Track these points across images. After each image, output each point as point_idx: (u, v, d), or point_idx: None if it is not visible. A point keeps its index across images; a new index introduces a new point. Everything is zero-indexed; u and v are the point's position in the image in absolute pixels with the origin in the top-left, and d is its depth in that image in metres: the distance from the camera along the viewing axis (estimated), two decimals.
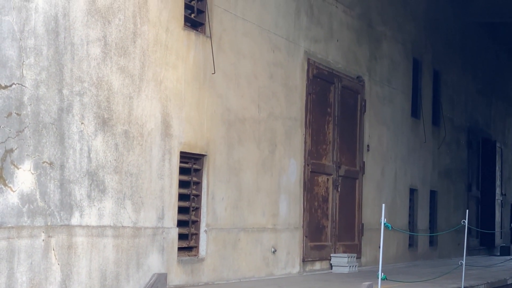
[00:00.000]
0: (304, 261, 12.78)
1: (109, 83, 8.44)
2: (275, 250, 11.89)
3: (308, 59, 12.96)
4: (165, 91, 9.42)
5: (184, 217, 10.00)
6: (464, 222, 11.75)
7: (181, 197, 9.93)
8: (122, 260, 8.62)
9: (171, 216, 9.54)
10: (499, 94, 25.85)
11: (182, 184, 9.95)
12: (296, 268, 12.56)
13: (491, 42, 24.48)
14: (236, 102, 10.95)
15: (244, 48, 11.16)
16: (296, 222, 12.59)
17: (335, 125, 13.90)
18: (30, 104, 7.36)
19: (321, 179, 13.48)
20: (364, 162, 15.07)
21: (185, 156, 9.94)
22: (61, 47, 7.78)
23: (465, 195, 21.97)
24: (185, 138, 9.85)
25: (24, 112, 7.29)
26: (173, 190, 9.58)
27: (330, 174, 13.77)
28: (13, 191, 7.18)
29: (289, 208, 12.36)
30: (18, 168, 7.24)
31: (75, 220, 7.93)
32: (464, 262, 11.76)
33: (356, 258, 14.09)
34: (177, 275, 9.66)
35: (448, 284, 11.58)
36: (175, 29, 9.61)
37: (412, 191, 17.94)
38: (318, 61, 13.30)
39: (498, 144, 24.51)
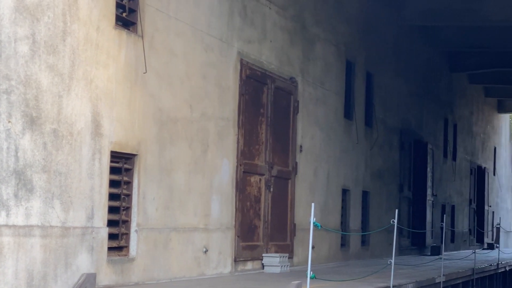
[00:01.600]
0: (236, 261, 12.78)
1: (37, 81, 8.32)
2: (207, 250, 11.87)
3: (241, 60, 12.96)
4: (96, 90, 9.33)
5: (114, 217, 9.92)
6: (393, 221, 11.87)
7: (112, 196, 9.85)
8: (50, 260, 8.51)
9: (101, 216, 9.45)
10: (431, 97, 26.19)
11: (112, 183, 9.87)
12: (227, 268, 12.54)
13: (423, 45, 24.79)
14: (168, 102, 10.90)
15: (177, 48, 11.11)
16: (228, 222, 12.58)
17: (268, 125, 13.93)
18: None
19: (254, 179, 13.49)
20: (296, 162, 15.13)
21: (115, 156, 9.87)
22: None
23: (397, 196, 22.22)
24: (116, 137, 9.77)
25: None
26: (103, 190, 9.50)
27: (263, 174, 13.80)
28: None
29: (221, 208, 12.35)
30: None
31: (1, 219, 7.80)
32: (393, 261, 11.87)
33: (288, 258, 14.14)
34: (106, 275, 9.58)
35: (377, 283, 11.71)
36: (106, 28, 9.53)
37: (345, 192, 18.08)
38: (251, 61, 13.31)
39: (429, 146, 24.82)
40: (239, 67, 12.90)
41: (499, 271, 21.43)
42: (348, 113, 18.25)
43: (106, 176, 9.56)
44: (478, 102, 34.48)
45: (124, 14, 10.12)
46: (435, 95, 26.85)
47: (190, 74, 11.45)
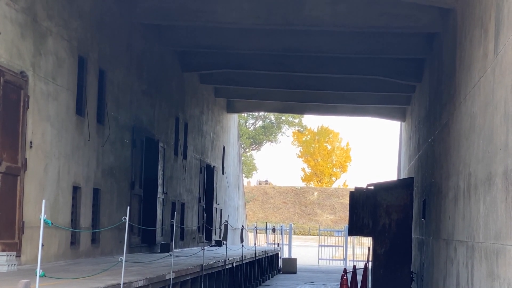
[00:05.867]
0: None
1: None
2: None
3: None
4: None
5: None
6: (124, 219, 11.96)
7: None
8: None
9: None
10: (163, 95, 26.59)
11: None
12: None
13: (156, 44, 25.13)
14: None
15: None
16: None
17: None
18: None
19: None
20: (26, 159, 14.83)
21: None
22: None
23: (128, 193, 22.35)
24: None
25: None
26: None
27: None
28: None
29: None
30: None
31: None
32: (124, 259, 11.96)
33: (16, 256, 13.82)
34: None
35: (108, 281, 11.73)
36: None
37: (76, 189, 17.96)
38: None
39: (161, 144, 25.19)
40: None
41: (227, 267, 22.16)
42: (80, 109, 18.14)
43: None
44: (209, 102, 35.47)
45: None
46: (167, 93, 27.29)
47: None
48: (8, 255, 13.30)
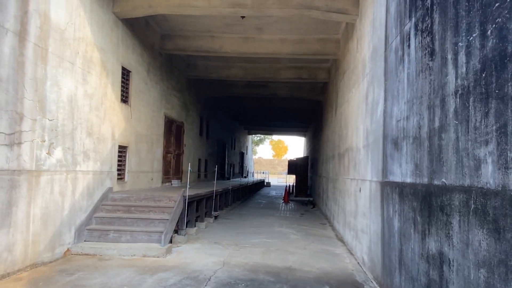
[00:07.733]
0: (162, 182, 12.32)
1: (91, 120, 7.79)
2: (152, 178, 11.46)
3: (165, 115, 12.56)
4: (113, 123, 8.84)
5: (120, 167, 9.40)
6: (215, 169, 12.05)
7: (119, 160, 9.33)
8: (95, 183, 7.98)
9: (115, 167, 8.92)
10: (228, 130, 26.39)
11: (119, 156, 9.35)
12: (159, 184, 12.11)
13: (225, 110, 25.04)
14: (140, 128, 10.44)
15: (142, 110, 10.63)
16: (160, 169, 12.14)
17: (174, 137, 13.55)
18: (57, 128, 6.61)
19: (169, 155, 13.09)
20: (183, 150, 14.82)
21: (120, 146, 9.35)
22: (72, 106, 7.10)
23: (216, 161, 22.15)
24: (120, 140, 9.27)
25: (60, 128, 6.57)
26: (115, 158, 8.97)
27: (172, 153, 13.42)
28: (53, 157, 6.47)
29: (157, 164, 11.90)
30: (55, 149, 6.53)
31: (78, 168, 7.25)
32: (215, 182, 12.05)
33: (180, 181, 13.87)
34: (116, 187, 9.08)
35: (209, 189, 11.76)
36: (117, 102, 9.01)
37: (200, 160, 17.82)
38: (168, 115, 12.89)
39: (227, 145, 25.10)
40: (164, 117, 12.52)
41: (248, 185, 22.11)
42: (201, 133, 18.08)
43: (116, 153, 9.01)
44: (242, 131, 35.28)
45: (123, 97, 9.64)
46: (229, 129, 27.10)
47: (147, 119, 11.01)
48: (177, 180, 13.32)
